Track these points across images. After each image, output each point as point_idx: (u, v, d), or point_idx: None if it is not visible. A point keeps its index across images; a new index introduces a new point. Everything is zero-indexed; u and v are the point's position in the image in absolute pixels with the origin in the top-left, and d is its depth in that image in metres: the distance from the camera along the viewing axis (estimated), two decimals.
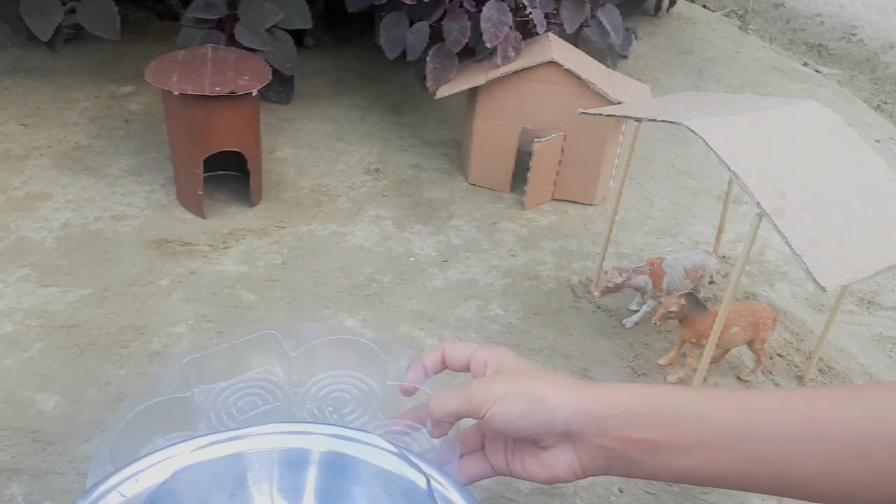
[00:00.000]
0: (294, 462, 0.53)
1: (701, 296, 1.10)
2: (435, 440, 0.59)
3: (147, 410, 0.61)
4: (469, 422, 0.61)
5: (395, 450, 0.52)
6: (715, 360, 1.05)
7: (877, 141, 1.90)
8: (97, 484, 0.49)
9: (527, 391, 0.55)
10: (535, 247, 1.28)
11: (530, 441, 0.57)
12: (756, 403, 0.54)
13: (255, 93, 1.18)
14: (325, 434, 0.54)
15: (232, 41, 1.50)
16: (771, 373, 1.05)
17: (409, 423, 0.62)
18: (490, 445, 0.61)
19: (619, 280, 1.05)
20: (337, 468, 0.54)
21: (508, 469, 0.59)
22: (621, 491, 0.82)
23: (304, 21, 1.62)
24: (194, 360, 0.65)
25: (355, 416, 0.64)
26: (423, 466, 0.51)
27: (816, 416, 0.51)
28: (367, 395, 0.67)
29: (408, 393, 0.63)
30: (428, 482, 0.48)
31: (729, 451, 0.52)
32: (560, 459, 0.55)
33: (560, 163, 1.37)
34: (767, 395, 0.63)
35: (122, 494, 0.50)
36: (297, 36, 1.63)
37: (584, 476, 0.56)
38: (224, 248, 1.19)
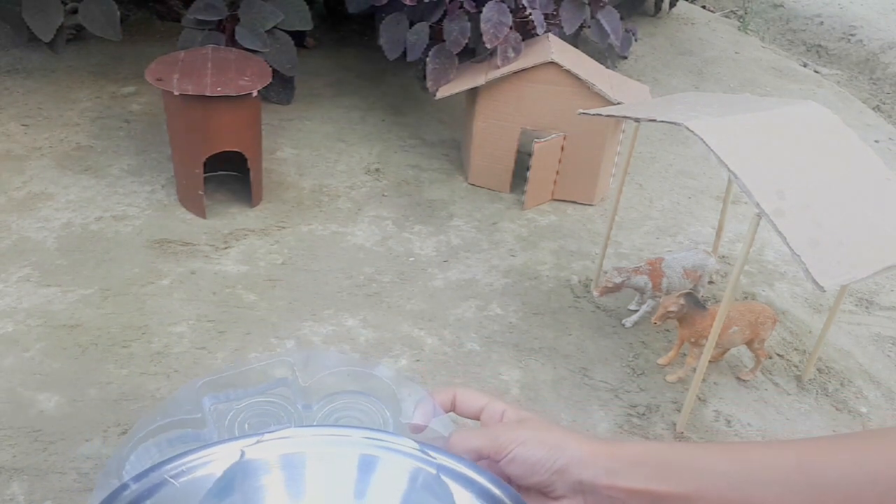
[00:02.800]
0: (333, 463, 0.54)
1: (700, 295, 1.10)
2: None
3: (158, 431, 0.62)
4: None
5: (426, 451, 0.52)
6: (714, 360, 1.05)
7: (876, 141, 1.90)
8: (150, 469, 0.49)
9: (550, 440, 0.56)
10: (535, 247, 1.28)
11: (540, 489, 0.57)
12: (751, 454, 0.54)
13: (255, 93, 1.18)
14: (364, 437, 0.55)
15: (232, 42, 1.51)
16: (770, 372, 1.06)
17: None
18: None
19: (618, 280, 1.05)
20: (374, 470, 0.55)
21: None
22: None
23: (304, 22, 1.62)
24: (208, 383, 0.66)
25: None
26: (460, 465, 0.52)
27: (807, 464, 0.51)
28: (376, 425, 0.69)
29: (417, 430, 0.66)
30: (437, 472, 0.48)
31: (727, 501, 0.51)
32: None
33: (560, 163, 1.37)
34: (761, 446, 0.67)
35: (170, 479, 0.51)
36: (298, 37, 1.63)
37: None
38: (225, 248, 1.19)
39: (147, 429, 0.60)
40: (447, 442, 0.56)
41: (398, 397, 0.64)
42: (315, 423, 0.58)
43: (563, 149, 1.35)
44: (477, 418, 0.64)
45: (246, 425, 0.61)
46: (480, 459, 0.57)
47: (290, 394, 0.64)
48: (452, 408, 0.63)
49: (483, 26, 1.32)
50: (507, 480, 0.60)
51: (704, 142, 0.81)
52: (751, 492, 0.49)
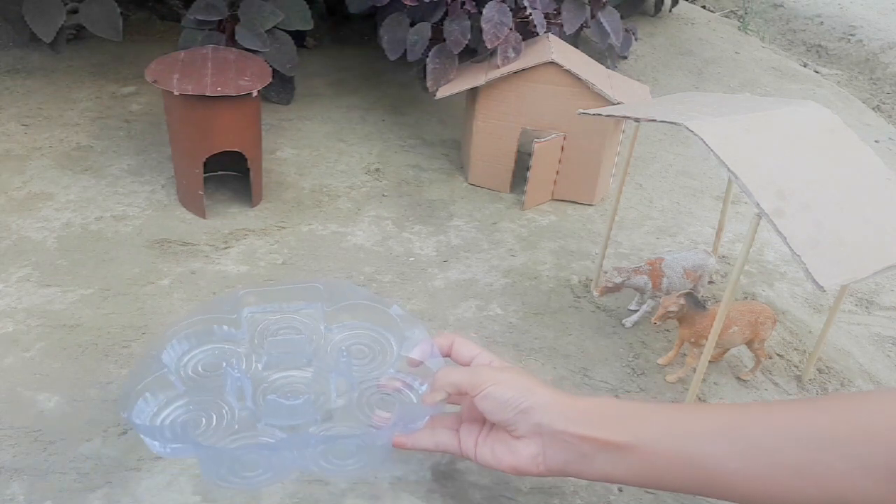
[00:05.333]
0: None
1: (700, 295, 1.10)
2: (425, 404, 0.69)
3: (199, 324, 0.78)
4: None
5: None
6: (714, 360, 1.05)
7: (876, 141, 1.91)
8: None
9: (521, 384, 0.67)
10: (535, 247, 1.28)
11: (505, 427, 0.67)
12: (686, 412, 0.64)
13: (255, 93, 1.18)
14: None
15: (232, 42, 1.51)
16: (770, 372, 1.06)
17: (403, 383, 0.76)
18: (465, 429, 0.73)
19: (618, 280, 1.05)
20: None
21: (475, 453, 0.70)
22: (620, 490, 0.82)
23: (304, 22, 1.62)
24: (249, 293, 0.82)
25: (367, 367, 0.78)
26: None
27: (735, 422, 0.59)
28: (380, 353, 0.81)
29: (413, 364, 0.76)
30: None
31: (662, 451, 0.61)
32: (528, 449, 0.66)
33: (560, 163, 1.37)
34: (697, 406, 0.79)
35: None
36: (298, 37, 1.64)
37: (546, 470, 0.65)
38: (225, 248, 1.19)
39: (189, 320, 0.79)
40: (434, 376, 0.71)
41: (405, 334, 0.80)
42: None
43: (563, 149, 1.35)
44: (468, 365, 0.74)
45: (278, 333, 0.80)
46: (459, 394, 0.69)
47: (316, 316, 0.81)
48: (449, 353, 0.76)
49: (483, 26, 1.32)
50: (480, 415, 0.70)
51: (704, 142, 0.81)
52: (683, 442, 0.59)
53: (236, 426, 0.69)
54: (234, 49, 1.33)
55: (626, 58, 2.11)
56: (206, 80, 1.16)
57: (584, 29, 1.76)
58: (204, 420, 0.69)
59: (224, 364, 0.72)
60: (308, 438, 0.68)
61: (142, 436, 0.65)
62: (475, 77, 1.35)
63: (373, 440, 0.69)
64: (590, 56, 1.47)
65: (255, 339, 0.78)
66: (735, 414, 0.61)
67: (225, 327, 0.78)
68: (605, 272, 1.07)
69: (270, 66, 1.28)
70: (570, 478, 0.83)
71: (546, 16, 1.47)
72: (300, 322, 0.81)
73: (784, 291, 1.25)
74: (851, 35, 2.84)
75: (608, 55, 1.89)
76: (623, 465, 0.61)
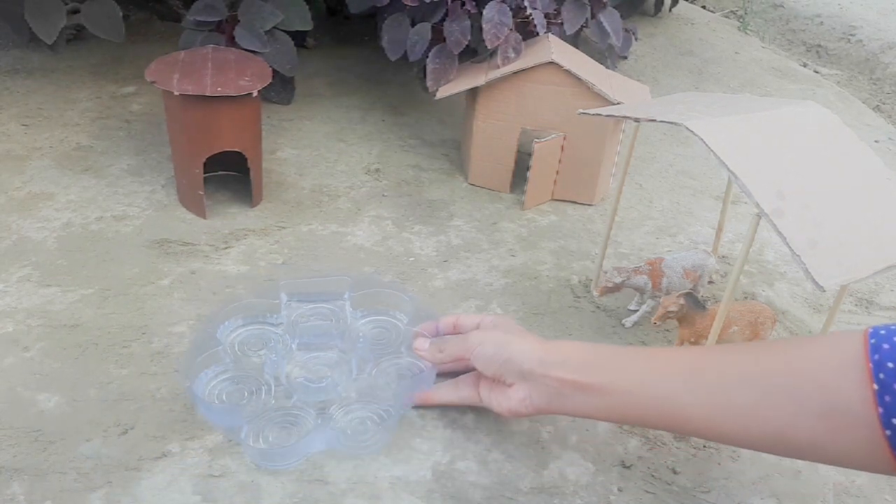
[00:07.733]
0: None
1: (700, 295, 1.10)
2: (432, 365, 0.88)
3: (243, 307, 0.96)
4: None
5: None
6: None
7: (876, 141, 1.91)
8: None
9: (500, 341, 0.78)
10: (535, 247, 1.28)
11: (498, 379, 0.79)
12: (656, 356, 0.72)
13: (255, 93, 1.18)
14: None
15: (232, 42, 1.51)
16: None
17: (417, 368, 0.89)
18: (483, 384, 0.84)
19: (618, 280, 1.05)
20: None
21: (486, 400, 0.82)
22: (620, 490, 0.82)
23: (304, 23, 1.62)
24: (288, 283, 0.99)
25: (384, 349, 0.93)
26: None
27: (697, 362, 0.68)
28: (395, 335, 0.96)
29: (417, 337, 0.92)
30: None
31: (626, 390, 0.69)
32: (518, 394, 0.76)
33: (560, 163, 1.37)
34: (665, 350, 0.84)
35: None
36: (298, 37, 1.64)
37: (534, 409, 0.75)
38: (225, 248, 1.19)
39: (240, 302, 0.96)
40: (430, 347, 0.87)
41: (415, 315, 0.97)
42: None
43: (563, 149, 1.35)
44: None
45: (311, 319, 0.95)
46: (458, 360, 0.83)
47: (346, 305, 0.98)
48: (454, 329, 0.90)
49: (484, 27, 1.32)
50: (476, 374, 0.83)
51: (704, 142, 0.81)
52: (646, 381, 0.68)
53: (273, 401, 0.83)
54: (234, 49, 1.33)
55: (626, 58, 2.11)
56: (206, 81, 1.16)
57: (584, 29, 1.76)
58: (246, 393, 0.84)
59: (264, 345, 0.89)
60: (328, 422, 0.81)
61: (198, 406, 0.82)
62: (475, 77, 1.35)
63: (384, 416, 0.82)
64: (590, 56, 1.47)
65: (291, 324, 0.93)
66: (695, 356, 0.69)
67: (268, 312, 0.94)
68: (605, 272, 1.07)
69: (270, 67, 1.28)
70: (567, 479, 0.83)
71: (546, 16, 1.47)
72: (329, 310, 0.95)
73: (784, 291, 1.25)
74: (851, 35, 2.84)
75: (608, 55, 1.89)
76: (594, 403, 0.70)
